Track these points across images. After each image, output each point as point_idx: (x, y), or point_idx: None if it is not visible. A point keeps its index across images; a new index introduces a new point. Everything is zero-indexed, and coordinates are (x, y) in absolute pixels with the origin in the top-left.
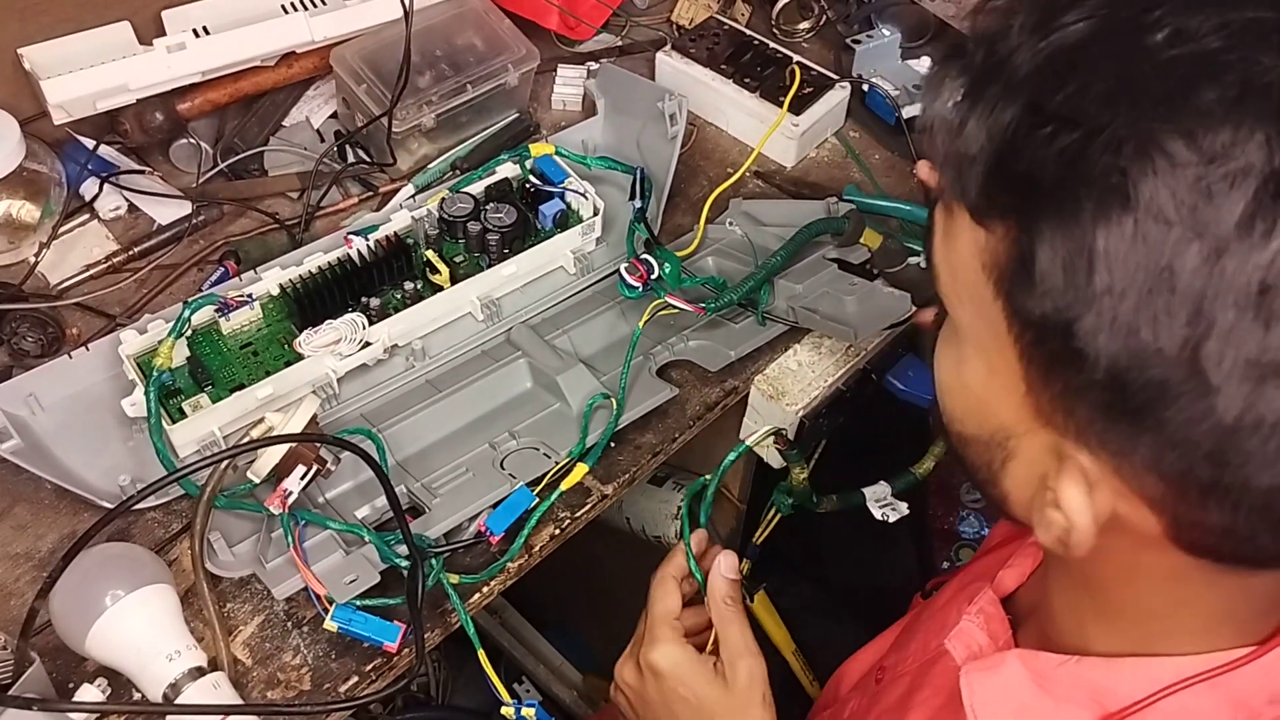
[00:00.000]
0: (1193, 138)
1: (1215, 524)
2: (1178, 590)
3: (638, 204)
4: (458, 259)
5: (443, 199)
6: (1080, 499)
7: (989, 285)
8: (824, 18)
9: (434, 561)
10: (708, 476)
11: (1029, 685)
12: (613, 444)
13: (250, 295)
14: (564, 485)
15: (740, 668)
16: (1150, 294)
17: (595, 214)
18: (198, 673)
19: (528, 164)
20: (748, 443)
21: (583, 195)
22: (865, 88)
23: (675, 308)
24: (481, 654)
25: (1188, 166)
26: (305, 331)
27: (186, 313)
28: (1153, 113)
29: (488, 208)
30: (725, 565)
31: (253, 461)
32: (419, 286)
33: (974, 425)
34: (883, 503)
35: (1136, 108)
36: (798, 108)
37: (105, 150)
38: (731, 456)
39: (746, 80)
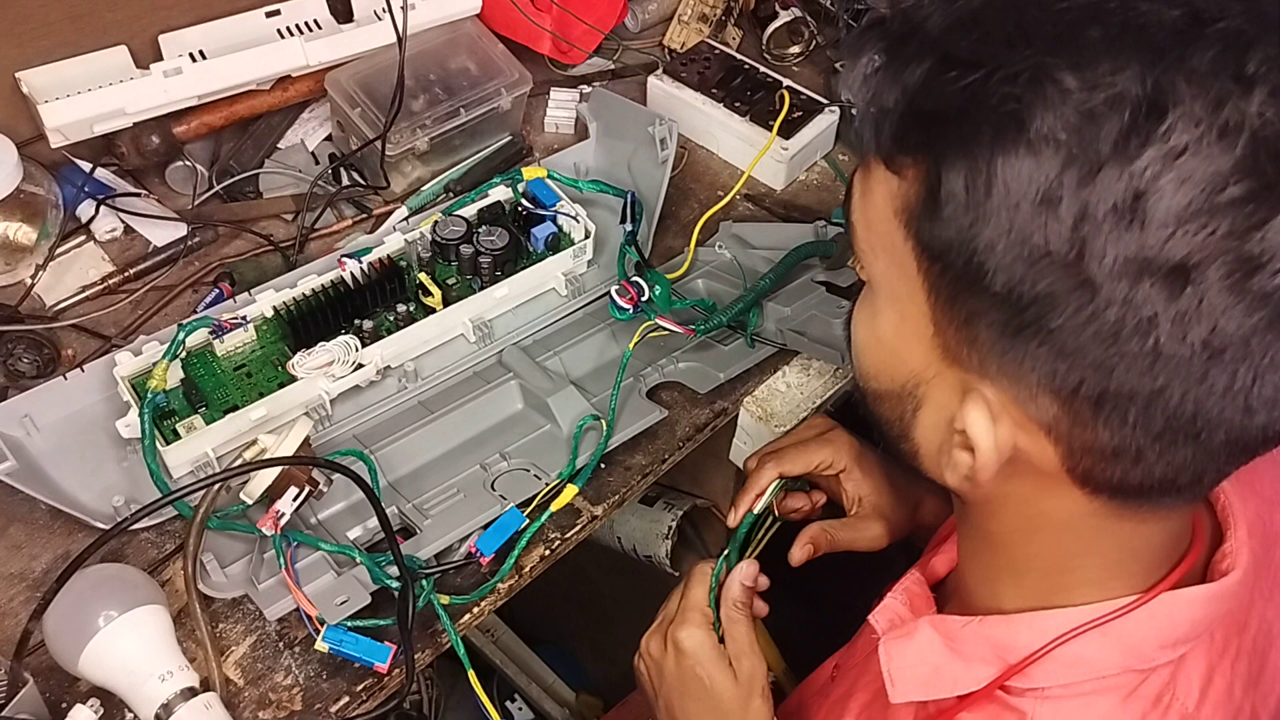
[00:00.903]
0: (1079, 69)
1: (1106, 444)
2: (1075, 541)
3: (629, 227)
4: (450, 281)
5: (436, 222)
6: (984, 425)
7: (900, 228)
8: (814, 42)
9: (425, 582)
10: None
11: (940, 647)
12: (603, 465)
13: (244, 317)
14: (554, 506)
15: (743, 665)
16: (1041, 205)
17: (587, 237)
18: (190, 693)
19: (520, 187)
20: (758, 508)
21: (574, 218)
22: (854, 111)
23: (665, 329)
24: (471, 674)
25: (1074, 93)
26: (299, 353)
27: (181, 335)
28: (1045, 49)
29: (480, 230)
30: (745, 572)
31: (246, 483)
32: (412, 309)
33: (886, 379)
34: None
35: (1031, 46)
36: (787, 131)
37: (102, 173)
38: (745, 525)
39: (737, 104)
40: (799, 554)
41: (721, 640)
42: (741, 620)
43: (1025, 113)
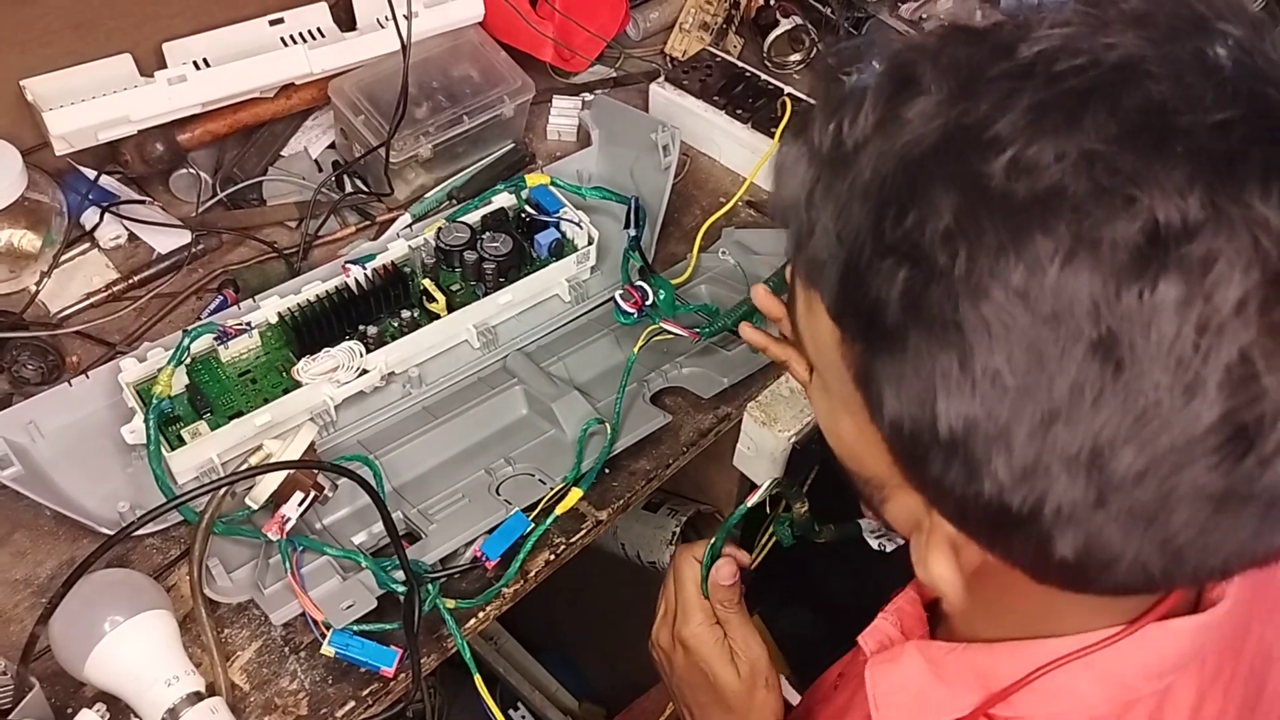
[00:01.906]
0: (1026, 299)
1: (1073, 572)
2: (1053, 597)
3: (632, 233)
4: (454, 287)
5: (439, 228)
6: (947, 569)
7: (850, 378)
8: (815, 50)
9: (430, 587)
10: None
11: (925, 673)
12: (607, 470)
13: (249, 323)
14: (559, 511)
15: (744, 659)
16: (991, 449)
17: (590, 243)
18: (196, 698)
19: (523, 194)
20: (751, 502)
21: (578, 224)
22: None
23: (669, 334)
24: (478, 679)
25: (1022, 331)
26: (303, 359)
27: (186, 341)
28: (988, 265)
29: (484, 237)
30: (723, 573)
31: (251, 488)
32: (416, 314)
33: (854, 465)
34: (878, 533)
35: (972, 258)
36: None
37: (106, 180)
38: (735, 517)
39: (739, 111)
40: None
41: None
42: (733, 617)
43: (969, 350)
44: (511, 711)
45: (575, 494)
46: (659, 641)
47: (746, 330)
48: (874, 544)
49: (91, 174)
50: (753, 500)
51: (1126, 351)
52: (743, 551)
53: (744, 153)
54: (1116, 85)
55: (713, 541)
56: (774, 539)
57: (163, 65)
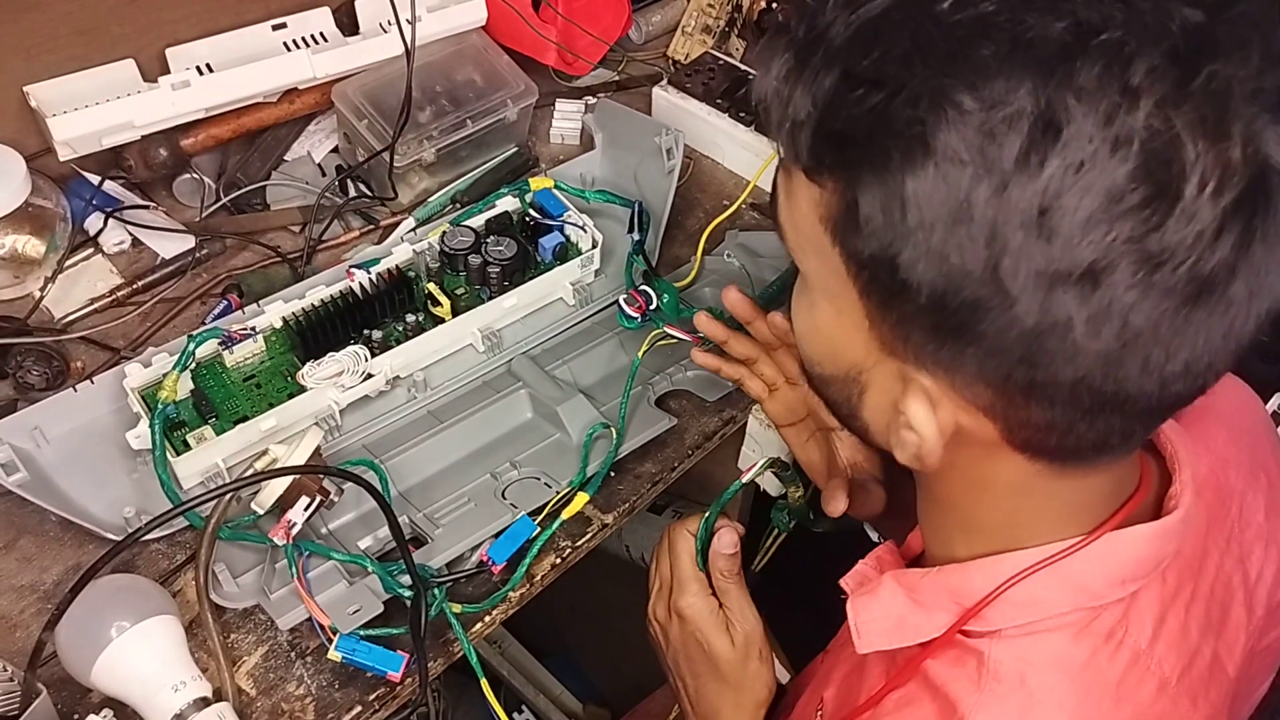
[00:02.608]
0: (975, 89)
1: (1040, 420)
2: (1022, 498)
3: (636, 236)
4: (459, 291)
5: (444, 232)
6: (925, 415)
7: (826, 235)
8: None
9: (436, 591)
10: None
11: (902, 599)
12: (613, 473)
13: (253, 328)
14: (565, 514)
15: (738, 630)
16: (954, 225)
17: (594, 246)
18: (202, 703)
19: (527, 197)
20: (745, 479)
21: (581, 228)
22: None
23: (674, 338)
24: (484, 683)
25: (973, 114)
26: (308, 364)
27: (191, 346)
28: (941, 70)
29: (488, 241)
30: (724, 541)
31: (257, 493)
32: (420, 319)
33: (830, 365)
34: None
35: (928, 67)
36: None
37: (110, 185)
38: (729, 493)
39: (741, 114)
40: (839, 505)
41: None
42: (732, 588)
43: (930, 135)
44: (516, 715)
45: (582, 498)
46: (655, 615)
47: (698, 355)
48: (874, 536)
49: (95, 179)
50: (747, 477)
51: (1063, 117)
52: (737, 524)
53: (747, 156)
54: None
55: (706, 515)
56: (779, 539)
57: (166, 70)
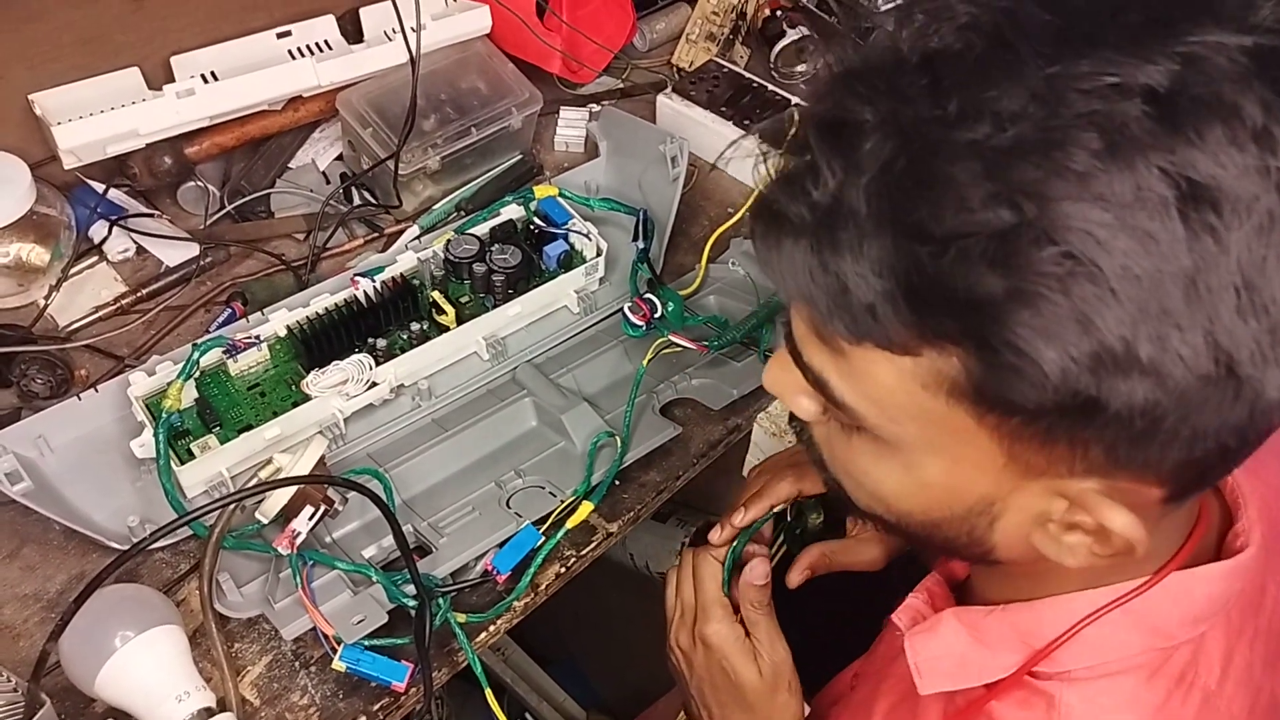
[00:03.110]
0: (1103, 199)
1: (1200, 467)
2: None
3: (640, 244)
4: (463, 299)
5: (448, 240)
6: (1127, 518)
7: (939, 398)
8: (821, 61)
9: (441, 601)
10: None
11: (964, 638)
12: (617, 482)
13: (258, 336)
14: (569, 523)
15: (767, 660)
16: (1159, 339)
17: (598, 254)
18: (206, 713)
19: (532, 205)
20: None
21: (586, 236)
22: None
23: (678, 346)
24: (489, 693)
25: (1120, 226)
26: (312, 372)
27: (195, 354)
28: (1050, 193)
29: (493, 249)
30: (756, 572)
31: (261, 502)
32: (425, 327)
33: (941, 511)
34: None
35: (1033, 196)
36: None
37: (114, 194)
38: (759, 525)
39: (746, 122)
40: (796, 578)
41: (748, 634)
42: (761, 618)
43: (1091, 266)
44: None
45: (586, 507)
46: (678, 643)
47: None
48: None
49: (100, 187)
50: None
51: (1215, 189)
52: (766, 551)
53: (751, 163)
54: (1008, 27)
55: (733, 546)
56: (784, 550)
57: (171, 79)
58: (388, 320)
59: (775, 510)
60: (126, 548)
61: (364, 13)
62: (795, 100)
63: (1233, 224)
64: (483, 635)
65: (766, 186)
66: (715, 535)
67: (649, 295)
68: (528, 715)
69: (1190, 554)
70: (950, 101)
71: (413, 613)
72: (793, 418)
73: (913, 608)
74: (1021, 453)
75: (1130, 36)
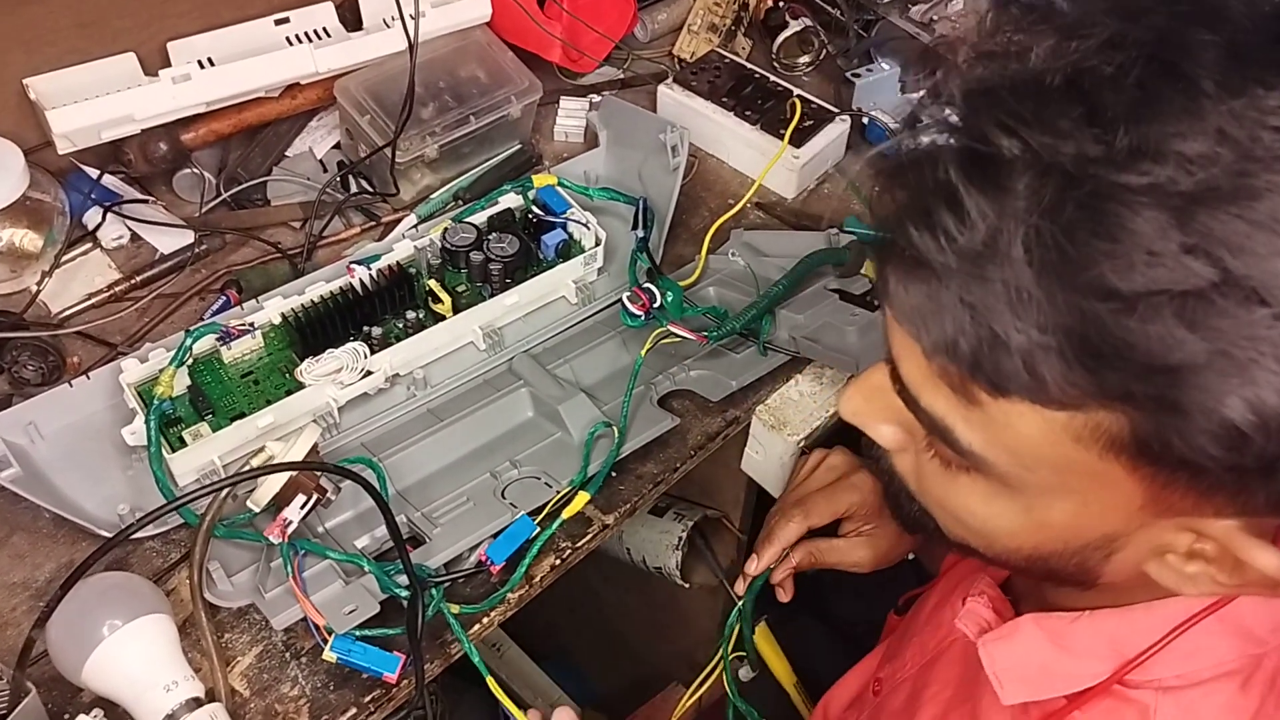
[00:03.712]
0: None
1: None
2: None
3: (640, 234)
4: (460, 288)
5: (445, 229)
6: (1269, 554)
7: (1092, 450)
8: (824, 52)
9: (434, 591)
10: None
11: (1046, 645)
12: (614, 473)
13: (252, 324)
14: (565, 514)
15: None
16: None
17: (597, 244)
18: (195, 704)
19: (530, 194)
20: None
21: (585, 225)
22: (865, 121)
23: (677, 337)
24: (490, 680)
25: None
26: (306, 360)
27: (188, 341)
28: (1253, 246)
29: (490, 238)
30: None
31: (252, 490)
32: (421, 316)
33: (1056, 545)
34: None
35: (1236, 251)
36: (798, 140)
37: (109, 179)
38: (759, 581)
39: (747, 113)
40: (781, 574)
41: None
42: None
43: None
44: None
45: (583, 497)
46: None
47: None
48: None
49: (94, 173)
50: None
51: None
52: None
53: (753, 154)
54: (1176, 52)
55: (739, 605)
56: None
57: (167, 64)
58: (384, 309)
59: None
60: (114, 535)
61: (363, 0)
62: (797, 91)
63: None
64: (476, 627)
65: (891, 219)
66: (739, 587)
67: (648, 285)
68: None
69: None
70: (1117, 138)
71: (405, 603)
72: (872, 444)
73: (975, 614)
74: (1168, 497)
75: None
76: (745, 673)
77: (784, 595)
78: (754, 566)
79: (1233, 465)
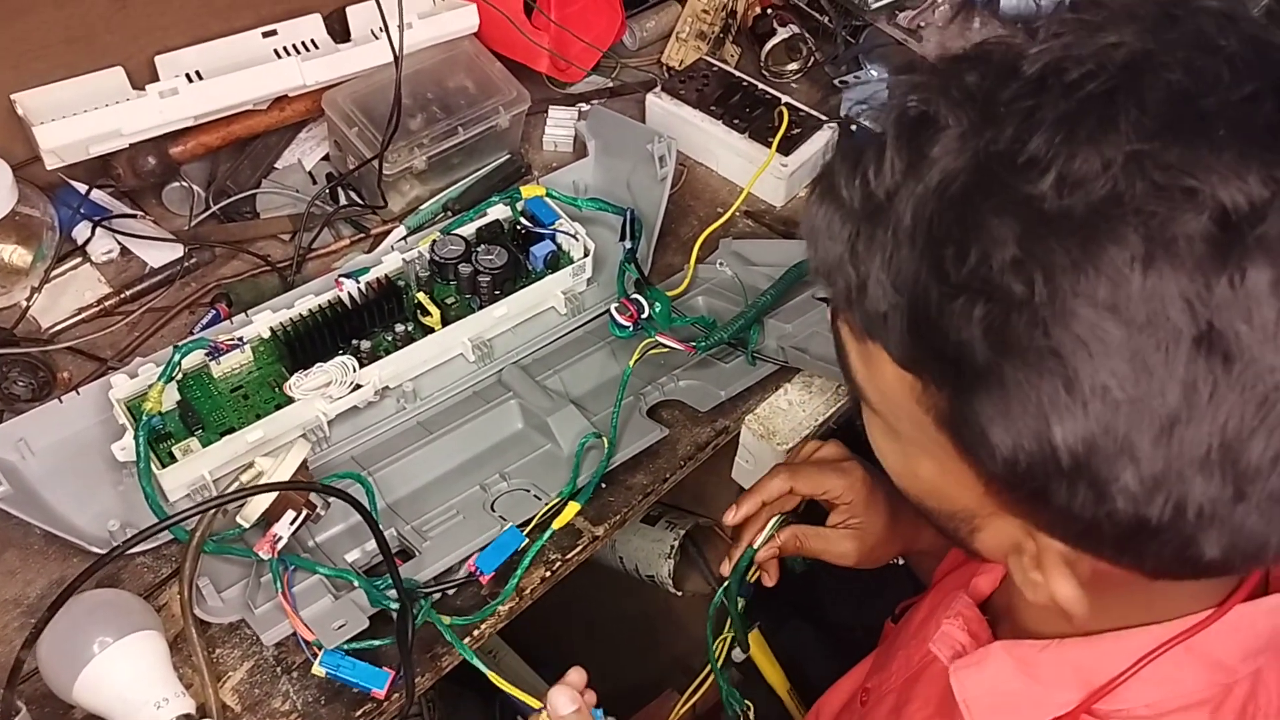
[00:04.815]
0: (1116, 311)
1: (1214, 565)
2: (1156, 587)
3: (628, 244)
4: (449, 301)
5: (434, 241)
6: (1070, 587)
7: (929, 417)
8: (812, 59)
9: (423, 601)
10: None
11: (1016, 674)
12: (604, 484)
13: (241, 338)
14: (555, 525)
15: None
16: (1114, 464)
17: (586, 255)
18: None
19: (519, 205)
20: (758, 543)
21: (573, 236)
22: (853, 128)
23: (666, 347)
24: (493, 676)
25: (1120, 342)
26: (296, 374)
27: (177, 356)
28: (1069, 285)
29: (479, 249)
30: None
31: (242, 506)
32: (410, 328)
33: (933, 503)
34: None
35: (1050, 281)
36: (786, 148)
37: (98, 194)
38: (745, 558)
39: (736, 121)
40: (765, 554)
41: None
42: None
43: (1072, 374)
44: None
45: (573, 508)
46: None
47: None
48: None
49: (83, 188)
50: (758, 541)
51: (1232, 342)
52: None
53: (741, 163)
54: (1135, 82)
55: (725, 584)
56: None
57: (155, 78)
58: (372, 322)
59: (766, 533)
60: (105, 552)
61: (351, 11)
62: (786, 99)
63: (1237, 386)
64: (466, 640)
65: (841, 147)
66: (724, 568)
67: (636, 296)
68: (519, 718)
69: (1252, 588)
70: (1031, 141)
71: (395, 616)
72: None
73: (950, 637)
74: (997, 494)
75: (1244, 134)
76: (737, 654)
77: (769, 579)
78: (732, 515)
79: (1005, 484)
